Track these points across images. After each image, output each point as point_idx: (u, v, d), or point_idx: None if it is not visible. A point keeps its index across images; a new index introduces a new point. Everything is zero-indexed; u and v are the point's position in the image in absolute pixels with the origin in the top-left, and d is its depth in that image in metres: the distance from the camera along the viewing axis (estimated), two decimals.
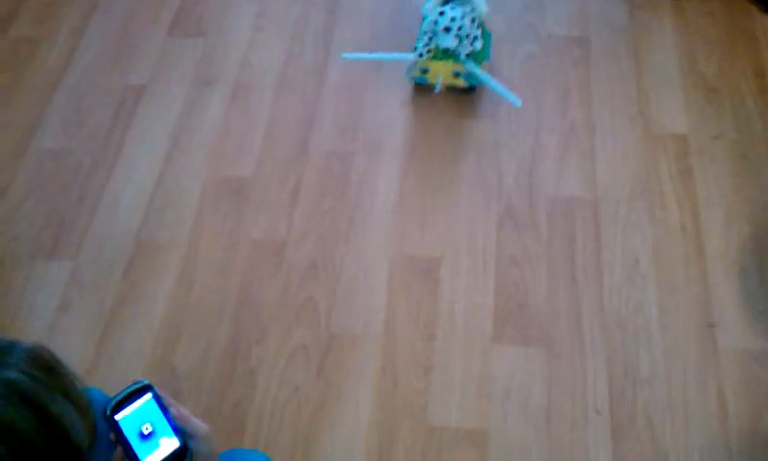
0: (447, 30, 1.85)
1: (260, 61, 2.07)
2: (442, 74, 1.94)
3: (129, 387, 0.84)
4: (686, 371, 1.53)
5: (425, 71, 1.96)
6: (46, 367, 0.76)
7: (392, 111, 1.95)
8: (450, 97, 1.97)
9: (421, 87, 1.98)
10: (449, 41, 1.86)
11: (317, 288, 1.66)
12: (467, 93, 1.99)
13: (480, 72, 1.92)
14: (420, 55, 1.91)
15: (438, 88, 1.94)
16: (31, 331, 1.61)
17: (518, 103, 1.91)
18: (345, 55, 2.05)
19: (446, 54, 1.90)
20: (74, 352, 1.57)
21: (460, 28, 1.85)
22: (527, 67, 2.03)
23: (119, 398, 0.83)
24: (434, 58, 1.91)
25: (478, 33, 1.90)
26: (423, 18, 1.94)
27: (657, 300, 1.62)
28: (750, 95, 1.95)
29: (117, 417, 0.82)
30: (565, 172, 1.83)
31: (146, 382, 0.85)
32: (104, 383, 1.53)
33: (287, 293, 1.66)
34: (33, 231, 1.77)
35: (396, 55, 1.98)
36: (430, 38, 1.89)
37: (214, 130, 1.93)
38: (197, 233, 1.75)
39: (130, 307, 1.65)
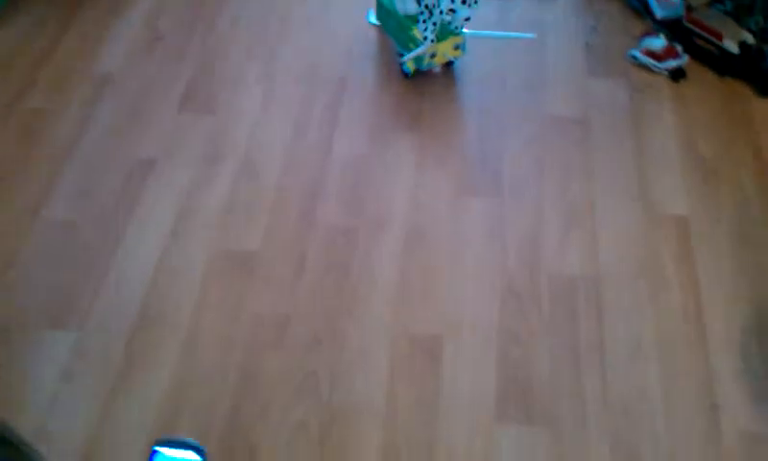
0: (452, 11, 2.05)
1: (267, 138, 2.11)
2: (447, 53, 2.14)
3: (189, 439, 0.85)
4: (690, 454, 1.52)
5: (434, 56, 2.12)
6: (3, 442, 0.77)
7: (396, 188, 1.98)
8: (452, 172, 2.00)
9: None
10: (465, 12, 2.06)
11: (320, 363, 1.66)
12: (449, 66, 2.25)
13: (489, 32, 2.21)
14: (432, 40, 2.07)
15: (438, 68, 2.19)
16: (33, 401, 1.61)
17: (532, 35, 2.19)
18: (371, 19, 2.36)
19: (446, 31, 2.11)
20: (76, 423, 1.57)
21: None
22: (529, 146, 2.07)
23: (174, 439, 0.83)
24: (439, 40, 2.10)
25: None
26: (396, 14, 2.17)
27: (660, 382, 1.62)
28: (749, 177, 1.98)
29: (157, 448, 0.82)
30: (568, 250, 1.85)
31: (203, 448, 0.85)
32: (105, 454, 1.54)
33: (289, 368, 1.66)
34: (39, 301, 1.78)
35: (427, 31, 2.10)
36: (434, 23, 2.05)
37: (221, 205, 1.95)
38: (201, 307, 1.76)
39: (132, 379, 1.65)
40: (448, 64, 2.24)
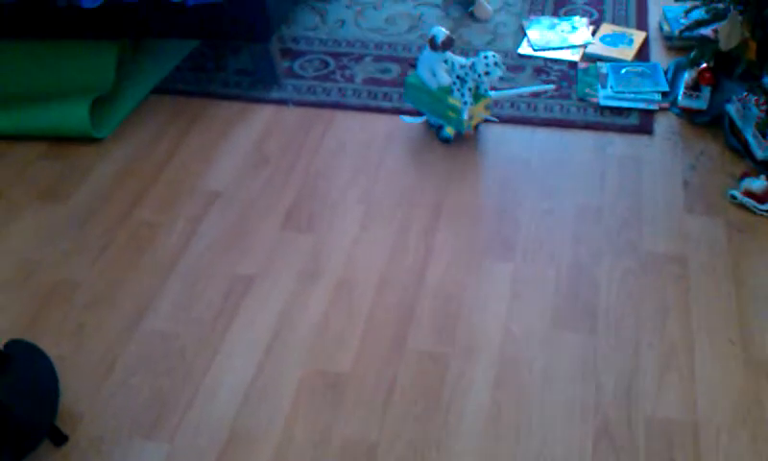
0: (487, 73, 2.32)
1: (364, 259, 2.15)
2: (480, 113, 2.45)
3: None
4: None
5: (470, 118, 2.41)
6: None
7: (489, 317, 1.98)
8: (546, 303, 2.00)
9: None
10: (498, 72, 2.33)
11: None
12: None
13: (509, 90, 2.55)
14: (472, 103, 2.38)
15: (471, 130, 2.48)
16: None
17: (551, 86, 2.52)
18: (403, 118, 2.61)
19: (476, 94, 2.40)
20: None
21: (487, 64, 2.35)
22: (625, 282, 2.05)
23: None
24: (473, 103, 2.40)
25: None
26: (429, 89, 2.45)
27: None
28: None
29: None
30: (664, 392, 1.80)
31: None
32: None
33: None
34: (134, 410, 1.83)
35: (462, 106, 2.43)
36: (470, 88, 2.36)
37: (315, 324, 1.99)
38: (290, 427, 1.78)
39: None
40: (477, 127, 2.53)
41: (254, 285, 2.10)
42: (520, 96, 2.64)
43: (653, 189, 2.32)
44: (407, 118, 2.63)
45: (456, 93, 2.41)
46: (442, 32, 2.42)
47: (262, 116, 2.69)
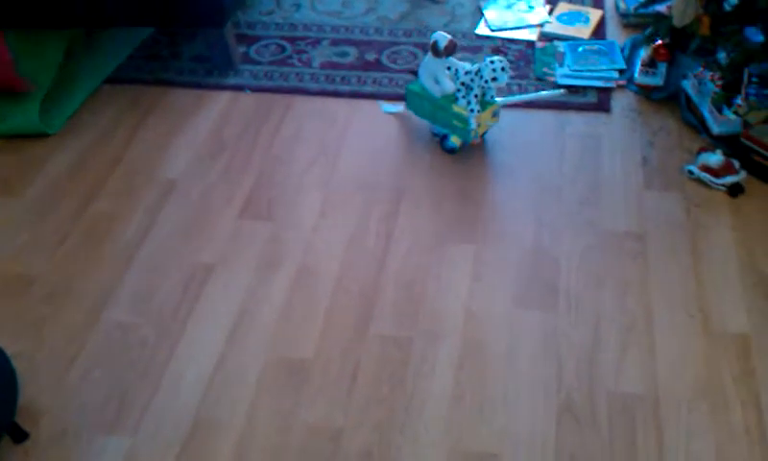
0: (495, 79, 2.24)
1: (324, 245, 2.14)
2: (488, 121, 2.35)
3: None
4: None
5: (478, 126, 2.31)
6: None
7: (451, 299, 1.99)
8: (508, 283, 2.00)
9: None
10: (505, 77, 2.25)
11: None
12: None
13: (516, 96, 2.44)
14: (479, 111, 2.28)
15: (478, 139, 2.38)
16: None
17: (560, 92, 2.43)
18: (384, 107, 2.56)
19: (483, 101, 2.30)
20: None
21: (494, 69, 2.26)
22: (586, 260, 2.06)
23: None
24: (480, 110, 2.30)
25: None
26: (432, 97, 2.36)
27: None
28: None
29: None
30: (626, 367, 1.82)
31: None
32: None
33: None
34: (96, 404, 1.81)
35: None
36: (476, 95, 2.26)
37: (277, 311, 1.98)
38: (254, 414, 1.77)
39: None
40: (483, 134, 2.43)
41: (215, 274, 2.08)
42: (529, 102, 2.52)
43: (611, 167, 2.34)
44: (386, 106, 2.57)
45: (461, 101, 2.30)
46: (444, 37, 2.32)
47: (219, 103, 2.66)
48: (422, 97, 2.41)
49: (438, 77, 2.35)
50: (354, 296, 2.01)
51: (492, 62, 2.23)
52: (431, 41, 2.34)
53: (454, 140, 2.38)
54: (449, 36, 2.33)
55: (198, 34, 2.91)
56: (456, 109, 2.31)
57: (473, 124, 2.30)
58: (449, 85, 2.34)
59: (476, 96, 2.27)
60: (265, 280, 2.06)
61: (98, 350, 1.92)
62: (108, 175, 2.40)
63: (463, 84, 2.29)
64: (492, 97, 2.32)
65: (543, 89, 2.54)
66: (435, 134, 2.47)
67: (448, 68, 2.32)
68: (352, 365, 1.85)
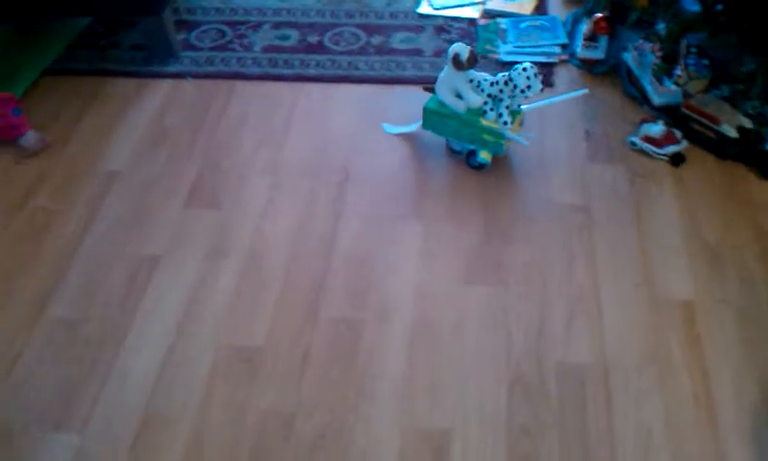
0: (529, 87, 2.12)
1: (273, 231, 2.12)
2: (516, 130, 2.21)
3: None
4: None
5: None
6: None
7: (400, 280, 1.99)
8: (456, 261, 2.01)
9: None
10: (539, 84, 2.13)
11: None
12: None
13: (540, 101, 2.25)
14: (512, 122, 2.16)
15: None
16: None
17: (583, 91, 2.25)
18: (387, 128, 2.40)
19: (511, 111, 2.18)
20: None
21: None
22: (532, 232, 2.08)
23: None
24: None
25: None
26: (457, 114, 2.21)
27: None
28: (753, 260, 1.98)
29: None
30: (574, 338, 1.84)
31: None
32: None
33: None
34: (42, 401, 1.77)
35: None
36: (507, 106, 2.14)
37: (226, 300, 1.96)
38: (206, 405, 1.75)
39: None
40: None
41: (161, 265, 2.05)
42: (552, 105, 2.31)
43: (556, 141, 2.36)
44: (390, 127, 2.41)
45: (490, 114, 2.17)
46: (465, 48, 2.15)
47: (160, 91, 2.61)
48: (444, 115, 2.24)
49: (461, 91, 2.20)
50: (304, 280, 2.00)
51: (524, 70, 2.11)
52: (450, 54, 2.17)
53: (484, 156, 2.22)
54: (470, 47, 2.17)
55: (137, 22, 2.86)
56: (485, 122, 2.17)
57: (509, 135, 2.17)
58: (476, 99, 2.19)
59: (507, 107, 2.15)
60: (213, 269, 2.03)
61: (42, 348, 1.88)
62: (48, 168, 2.35)
63: (489, 95, 2.17)
64: (519, 105, 2.21)
65: (567, 92, 2.38)
66: (456, 152, 2.31)
67: (470, 81, 2.20)
68: (303, 349, 1.84)
